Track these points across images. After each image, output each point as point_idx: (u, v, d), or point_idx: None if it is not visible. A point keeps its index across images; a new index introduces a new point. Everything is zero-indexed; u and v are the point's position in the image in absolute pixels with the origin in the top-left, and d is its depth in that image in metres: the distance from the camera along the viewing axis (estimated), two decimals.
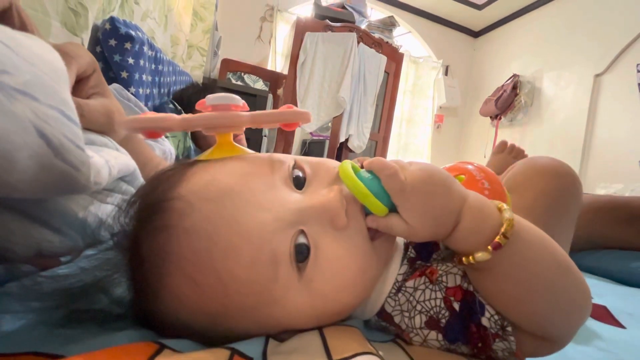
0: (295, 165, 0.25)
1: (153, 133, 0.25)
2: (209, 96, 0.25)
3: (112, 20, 0.69)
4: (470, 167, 0.33)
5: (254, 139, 1.48)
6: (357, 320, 0.28)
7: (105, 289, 0.24)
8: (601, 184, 2.03)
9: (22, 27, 0.25)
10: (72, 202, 0.28)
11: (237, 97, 0.25)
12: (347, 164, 0.25)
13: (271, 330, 0.23)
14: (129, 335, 0.21)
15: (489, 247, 0.22)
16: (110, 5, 0.73)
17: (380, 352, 0.23)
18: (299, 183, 0.25)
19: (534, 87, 2.74)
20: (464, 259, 0.23)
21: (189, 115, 0.25)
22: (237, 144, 0.26)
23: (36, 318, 0.21)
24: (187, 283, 0.20)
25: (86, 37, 0.62)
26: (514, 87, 2.77)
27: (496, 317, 0.24)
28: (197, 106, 0.26)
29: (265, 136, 1.61)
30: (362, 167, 0.25)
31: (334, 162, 0.27)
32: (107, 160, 0.28)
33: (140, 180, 0.36)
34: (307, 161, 0.26)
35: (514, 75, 2.81)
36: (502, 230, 0.22)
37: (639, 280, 0.71)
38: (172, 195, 0.22)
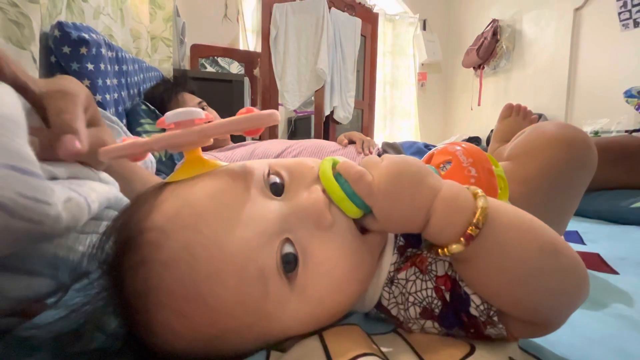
0: (271, 172, 0.24)
1: (136, 157, 0.25)
2: (168, 114, 0.23)
3: (60, 25, 0.64)
4: (458, 149, 0.32)
5: None
6: (358, 314, 0.28)
7: (99, 324, 0.24)
8: (588, 120, 2.04)
9: (14, 78, 0.24)
10: (49, 244, 0.27)
11: (198, 109, 0.24)
12: (328, 163, 0.25)
13: (272, 342, 0.23)
14: None
15: (462, 239, 0.21)
16: (55, 8, 0.67)
17: (383, 349, 0.23)
18: (277, 190, 0.24)
19: (515, 31, 2.68)
20: (439, 250, 0.23)
21: (158, 136, 0.24)
22: (206, 157, 0.25)
23: None
24: (176, 317, 0.20)
25: (35, 49, 0.58)
26: (495, 33, 2.70)
27: (482, 306, 0.23)
28: (158, 124, 0.25)
29: None
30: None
31: (312, 161, 0.26)
32: (86, 197, 0.27)
33: (125, 202, 0.35)
34: (283, 165, 0.25)
35: (494, 21, 2.73)
36: (474, 220, 0.21)
37: (628, 218, 0.74)
38: (144, 227, 0.21)
